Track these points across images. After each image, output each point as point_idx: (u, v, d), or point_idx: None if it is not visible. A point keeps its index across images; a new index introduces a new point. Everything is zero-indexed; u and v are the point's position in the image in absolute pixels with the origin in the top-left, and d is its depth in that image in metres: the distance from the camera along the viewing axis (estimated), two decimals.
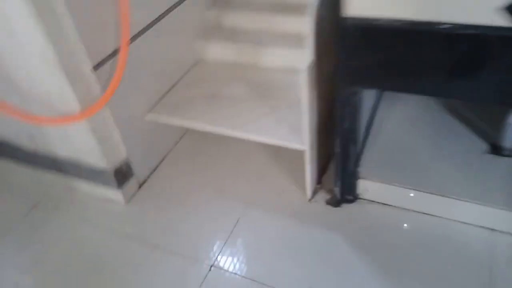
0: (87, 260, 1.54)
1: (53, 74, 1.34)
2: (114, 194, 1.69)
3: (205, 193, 1.73)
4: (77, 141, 1.55)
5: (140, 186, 1.78)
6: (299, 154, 1.51)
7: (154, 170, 1.85)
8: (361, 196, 1.59)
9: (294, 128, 1.56)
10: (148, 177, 1.82)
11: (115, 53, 1.49)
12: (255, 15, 2.00)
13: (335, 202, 1.59)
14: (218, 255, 1.49)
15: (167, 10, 1.75)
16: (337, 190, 1.56)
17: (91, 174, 1.66)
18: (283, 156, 1.82)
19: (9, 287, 1.47)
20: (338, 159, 1.48)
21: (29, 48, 1.31)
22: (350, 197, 1.58)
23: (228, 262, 1.47)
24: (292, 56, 1.86)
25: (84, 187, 1.75)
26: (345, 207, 1.59)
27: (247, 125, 1.62)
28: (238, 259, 1.48)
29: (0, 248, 1.60)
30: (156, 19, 1.69)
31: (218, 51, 2.02)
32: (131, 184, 1.72)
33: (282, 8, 2.00)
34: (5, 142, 1.76)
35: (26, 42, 1.29)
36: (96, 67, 1.42)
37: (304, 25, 1.26)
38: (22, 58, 1.35)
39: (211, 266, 1.46)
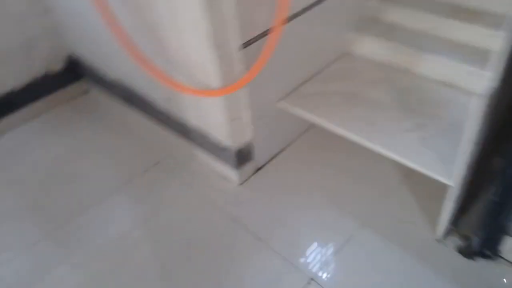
0: (190, 230, 1.55)
1: (202, 45, 1.31)
2: (230, 173, 1.67)
3: (319, 196, 1.61)
4: (209, 115, 1.54)
5: (256, 171, 1.73)
6: (438, 183, 1.30)
7: (273, 158, 1.78)
8: (502, 255, 1.32)
9: (442, 156, 1.34)
10: (266, 164, 1.76)
11: (265, 33, 1.41)
12: (421, 13, 1.77)
13: (468, 253, 1.36)
14: (320, 270, 1.38)
15: None
16: (475, 240, 1.32)
17: (214, 148, 1.65)
18: (416, 178, 1.61)
19: (120, 236, 1.55)
20: (489, 207, 1.23)
21: (185, 15, 1.29)
22: (488, 253, 1.33)
23: (329, 281, 1.35)
24: (457, 70, 1.61)
25: (205, 158, 1.76)
26: (479, 262, 1.34)
27: (383, 137, 1.45)
28: (341, 282, 1.35)
29: (119, 198, 1.69)
30: (315, 2, 1.57)
31: (369, 47, 1.84)
32: (249, 167, 1.68)
33: (456, 11, 1.73)
34: (144, 99, 1.84)
35: (184, 9, 1.27)
36: (245, 44, 1.36)
37: (490, 40, 1.02)
38: (177, 24, 1.35)
39: (311, 279, 1.36)
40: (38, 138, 2.00)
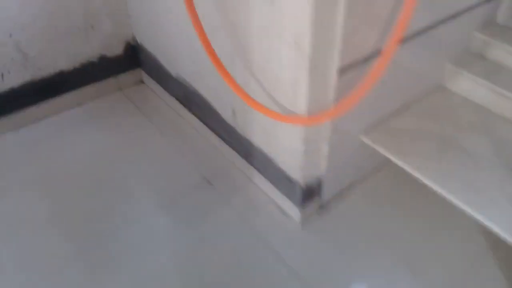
0: (235, 271, 1.33)
1: (296, 63, 1.09)
2: (291, 209, 1.45)
3: (390, 253, 1.38)
4: (280, 140, 1.33)
5: (320, 208, 1.50)
6: None
7: (341, 195, 1.55)
8: None
9: None
10: (331, 201, 1.53)
11: (368, 58, 1.19)
12: None
13: None
14: None
15: (438, 22, 1.38)
16: None
17: (278, 178, 1.44)
18: (508, 248, 1.36)
19: (157, 268, 1.34)
20: None
21: (285, 23, 1.08)
22: None
23: None
24: None
25: (265, 186, 1.54)
26: None
27: (482, 202, 1.21)
28: None
29: (161, 219, 1.47)
30: (424, 28, 1.34)
31: (467, 85, 1.59)
32: (313, 204, 1.46)
33: None
34: (206, 105, 1.64)
35: (286, 16, 1.06)
36: (343, 69, 1.14)
37: None
38: (270, 30, 1.14)
39: None
40: (81, 129, 1.83)
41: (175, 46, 1.66)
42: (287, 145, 1.31)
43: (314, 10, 0.97)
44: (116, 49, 1.96)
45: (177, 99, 1.87)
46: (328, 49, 1.08)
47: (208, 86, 1.58)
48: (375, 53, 1.20)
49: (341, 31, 1.05)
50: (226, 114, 1.55)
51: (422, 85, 1.58)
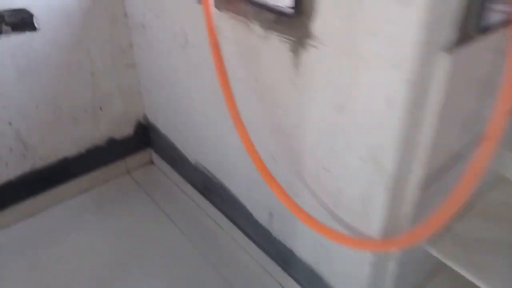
0: None
1: (370, 178, 0.88)
2: None
3: None
4: (337, 260, 1.09)
5: None
6: None
7: None
8: None
9: None
10: None
11: (455, 163, 1.00)
12: None
13: None
14: None
15: None
16: None
17: None
18: None
19: None
20: None
21: (358, 136, 0.88)
22: None
23: None
24: None
25: None
26: None
27: None
28: None
29: None
30: None
31: None
32: None
33: None
34: (232, 200, 1.41)
35: (361, 130, 0.86)
36: (426, 182, 0.93)
37: None
38: (336, 141, 0.93)
39: None
40: (84, 223, 1.58)
41: (197, 132, 1.45)
42: (347, 267, 1.07)
43: (401, 123, 0.77)
44: (125, 130, 1.75)
45: (194, 186, 1.64)
46: (411, 162, 0.88)
47: (237, 181, 1.36)
48: (462, 156, 1.01)
49: (428, 140, 0.86)
50: (259, 215, 1.32)
51: (484, 179, 1.38)
